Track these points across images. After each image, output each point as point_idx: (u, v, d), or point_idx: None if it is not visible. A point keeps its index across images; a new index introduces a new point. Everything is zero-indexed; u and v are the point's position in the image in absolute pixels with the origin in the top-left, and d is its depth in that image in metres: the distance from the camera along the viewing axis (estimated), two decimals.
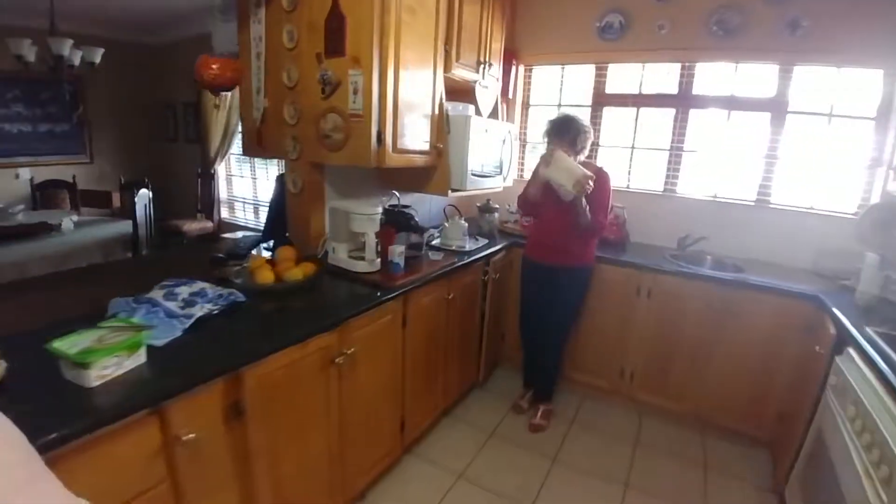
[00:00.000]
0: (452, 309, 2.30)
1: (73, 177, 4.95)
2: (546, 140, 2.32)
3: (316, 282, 1.84)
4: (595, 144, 3.14)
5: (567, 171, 2.10)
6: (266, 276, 1.73)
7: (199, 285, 1.59)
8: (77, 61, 3.24)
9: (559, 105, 3.32)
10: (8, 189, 4.52)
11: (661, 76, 2.98)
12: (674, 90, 2.93)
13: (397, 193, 2.34)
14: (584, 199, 2.14)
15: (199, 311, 1.46)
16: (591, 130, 2.32)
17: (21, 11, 3.84)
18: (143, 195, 3.94)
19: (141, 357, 1.20)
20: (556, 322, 2.47)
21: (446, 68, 2.25)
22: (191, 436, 1.14)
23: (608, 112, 3.16)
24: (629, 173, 3.16)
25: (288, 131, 2.05)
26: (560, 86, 3.30)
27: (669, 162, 3.01)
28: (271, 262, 1.86)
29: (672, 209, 2.98)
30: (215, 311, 1.49)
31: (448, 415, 2.56)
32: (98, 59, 3.43)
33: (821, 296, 2.08)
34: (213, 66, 1.94)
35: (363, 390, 1.79)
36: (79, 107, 4.87)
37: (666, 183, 3.04)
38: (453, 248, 2.51)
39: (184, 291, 1.54)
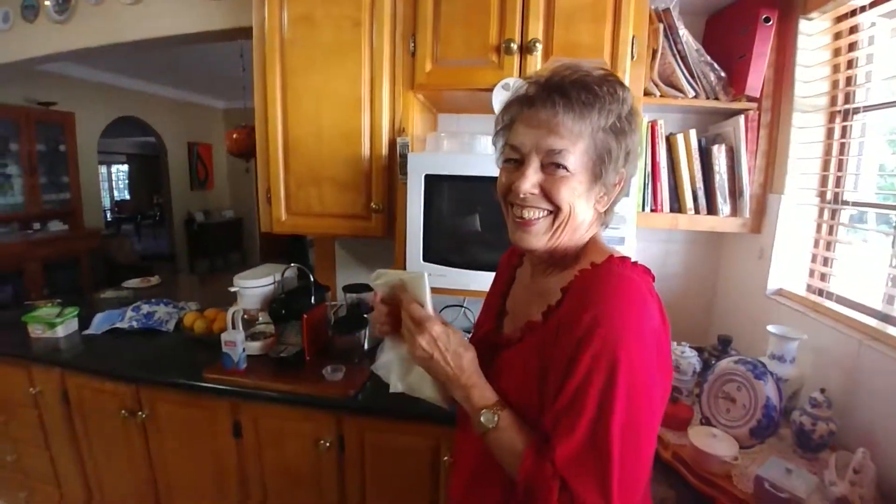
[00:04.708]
0: (350, 471, 1.44)
1: None
2: (498, 134, 0.76)
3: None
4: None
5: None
6: (186, 320, 1.86)
7: (161, 308, 1.97)
8: None
9: None
10: None
11: None
12: None
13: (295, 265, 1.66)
14: (498, 420, 0.67)
15: (122, 321, 1.88)
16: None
17: None
18: None
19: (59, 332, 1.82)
20: None
21: (415, 80, 1.38)
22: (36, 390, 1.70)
23: None
24: None
25: None
26: None
27: None
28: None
29: None
30: (136, 326, 1.87)
31: None
32: None
33: None
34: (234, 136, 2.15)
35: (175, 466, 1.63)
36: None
37: None
38: None
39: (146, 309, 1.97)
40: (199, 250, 6.27)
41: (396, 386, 0.81)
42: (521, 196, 0.68)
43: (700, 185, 1.50)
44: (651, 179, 1.46)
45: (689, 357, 1.34)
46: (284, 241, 6.14)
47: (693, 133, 1.49)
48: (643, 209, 1.47)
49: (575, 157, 0.66)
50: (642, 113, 1.40)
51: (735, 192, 1.51)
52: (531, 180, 0.67)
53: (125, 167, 8.05)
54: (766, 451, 1.14)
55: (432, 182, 1.29)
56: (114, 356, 1.68)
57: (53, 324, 1.84)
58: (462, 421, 0.86)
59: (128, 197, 8.05)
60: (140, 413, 1.56)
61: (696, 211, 1.51)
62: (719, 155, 1.49)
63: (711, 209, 1.52)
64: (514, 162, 0.70)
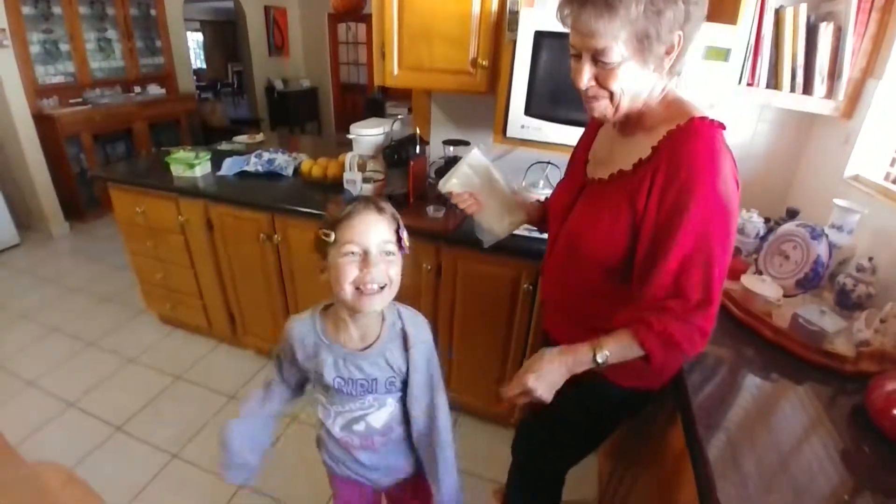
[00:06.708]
0: (445, 291, 1.78)
1: None
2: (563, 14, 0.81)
3: (333, 184, 2.03)
4: None
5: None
6: (304, 167, 2.15)
7: (280, 156, 2.27)
8: None
9: None
10: None
11: None
12: None
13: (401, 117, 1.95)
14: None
15: (248, 166, 2.21)
16: None
17: None
18: None
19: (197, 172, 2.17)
20: (548, 446, 1.25)
21: None
22: (183, 218, 2.09)
23: None
24: None
25: None
26: None
27: None
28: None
29: None
30: (260, 170, 2.19)
31: None
32: None
33: None
34: None
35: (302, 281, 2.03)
36: None
37: None
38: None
39: (267, 156, 2.27)
40: (280, 118, 6.59)
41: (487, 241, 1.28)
42: (582, 88, 0.83)
43: (801, 62, 1.51)
44: (752, 52, 1.49)
45: (755, 222, 1.49)
46: (361, 109, 6.33)
47: (803, 8, 1.48)
48: (739, 82, 1.52)
49: (618, 50, 0.76)
50: None
51: (834, 74, 1.52)
52: (585, 77, 0.81)
53: (198, 35, 8.18)
54: (806, 301, 1.33)
55: (540, 38, 1.40)
56: (247, 192, 2.02)
57: (192, 164, 2.17)
58: (549, 250, 1.12)
59: (203, 66, 8.29)
60: (276, 236, 1.93)
61: (792, 89, 1.54)
62: (825, 34, 1.48)
63: (807, 89, 1.54)
64: (575, 56, 0.83)
